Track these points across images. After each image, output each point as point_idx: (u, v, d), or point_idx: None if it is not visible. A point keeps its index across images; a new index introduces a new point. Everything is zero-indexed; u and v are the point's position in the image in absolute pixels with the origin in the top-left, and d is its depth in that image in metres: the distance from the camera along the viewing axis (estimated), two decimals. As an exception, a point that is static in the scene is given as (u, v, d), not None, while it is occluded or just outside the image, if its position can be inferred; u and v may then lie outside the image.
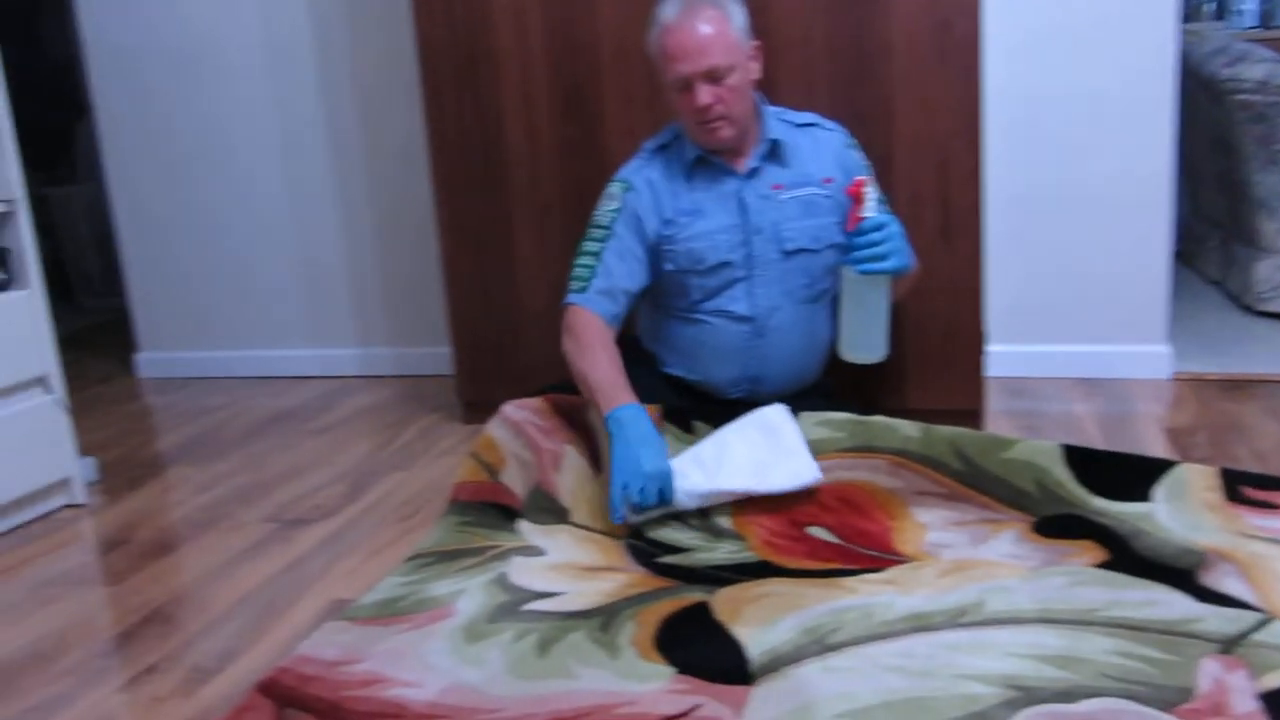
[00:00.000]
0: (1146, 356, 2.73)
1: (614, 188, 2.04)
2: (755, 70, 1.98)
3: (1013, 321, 2.81)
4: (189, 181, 3.40)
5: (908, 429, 1.81)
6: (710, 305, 2.02)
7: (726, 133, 1.94)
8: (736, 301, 2.01)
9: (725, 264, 1.99)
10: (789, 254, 2.00)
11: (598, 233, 2.02)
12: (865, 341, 1.88)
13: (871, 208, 1.84)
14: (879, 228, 1.82)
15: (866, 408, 1.96)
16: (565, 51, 2.43)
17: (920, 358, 2.37)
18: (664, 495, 1.76)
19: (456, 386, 2.71)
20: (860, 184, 1.83)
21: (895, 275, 1.88)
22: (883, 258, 1.82)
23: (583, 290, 1.99)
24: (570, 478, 1.92)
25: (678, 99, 1.94)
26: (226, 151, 3.35)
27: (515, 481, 1.95)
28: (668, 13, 1.92)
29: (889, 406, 2.20)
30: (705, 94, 1.89)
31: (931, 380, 2.37)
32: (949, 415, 2.22)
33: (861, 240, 1.82)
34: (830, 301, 2.07)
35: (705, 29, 1.88)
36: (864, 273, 1.82)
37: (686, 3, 1.92)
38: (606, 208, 2.03)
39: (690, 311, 2.04)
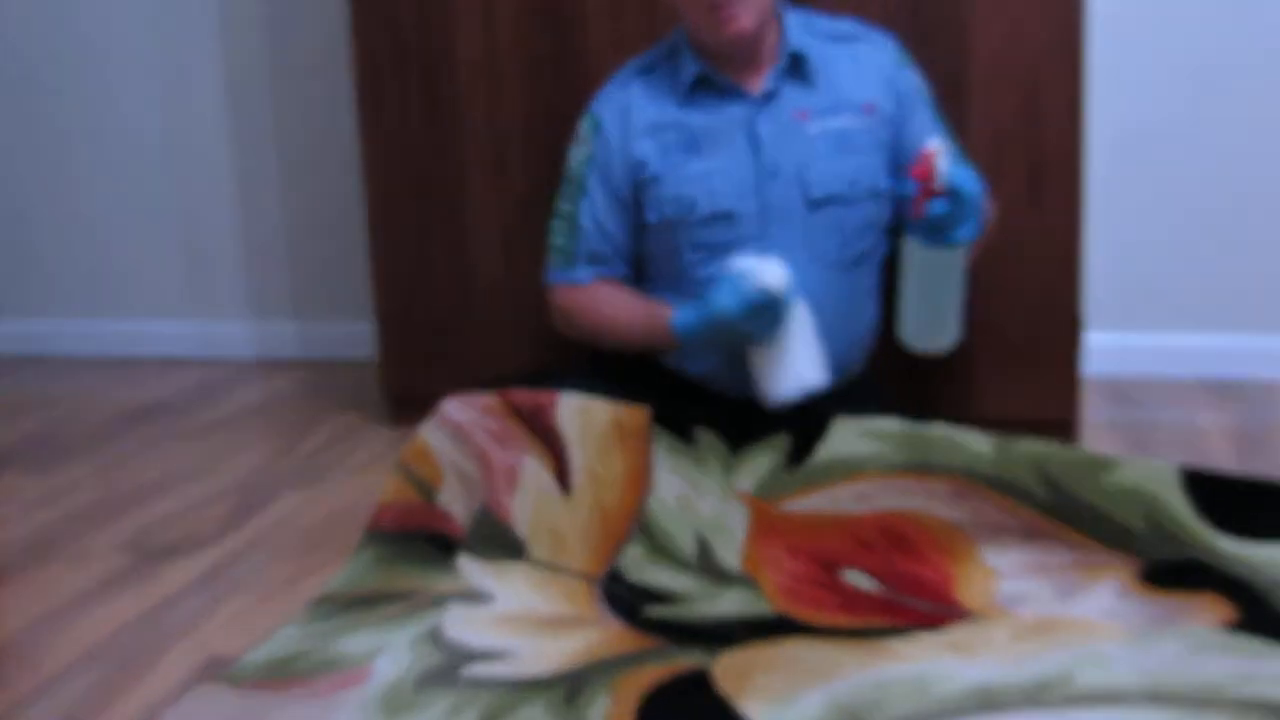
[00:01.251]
0: (1294, 353, 2.75)
1: (583, 126, 2.11)
2: None
3: (1119, 303, 2.82)
4: (39, 108, 3.39)
5: (978, 444, 1.80)
6: (710, 272, 2.01)
7: (745, 21, 1.94)
8: None
9: (726, 215, 2.00)
10: (816, 203, 2.00)
11: (569, 189, 2.10)
12: (934, 325, 1.91)
13: (944, 173, 1.77)
14: (955, 195, 1.77)
15: (924, 413, 1.96)
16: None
17: (997, 350, 2.37)
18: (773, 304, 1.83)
19: (381, 376, 2.71)
20: (928, 159, 1.76)
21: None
22: (955, 226, 1.80)
23: (568, 264, 2.10)
24: (529, 499, 1.92)
25: None
26: (88, 71, 3.34)
27: (456, 503, 1.95)
28: None
29: (954, 413, 2.20)
30: None
31: (1011, 379, 2.38)
32: (1033, 426, 2.21)
33: (934, 213, 1.78)
34: (875, 267, 2.08)
35: None
36: (932, 245, 1.81)
37: None
38: (576, 155, 2.10)
39: (684, 281, 2.04)
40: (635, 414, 1.91)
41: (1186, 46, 2.69)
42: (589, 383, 2.00)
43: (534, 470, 1.94)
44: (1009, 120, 2.29)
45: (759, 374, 1.92)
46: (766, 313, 1.84)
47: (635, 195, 2.07)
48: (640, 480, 1.91)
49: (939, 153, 1.77)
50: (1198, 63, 2.69)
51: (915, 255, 1.88)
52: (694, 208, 2.01)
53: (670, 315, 1.96)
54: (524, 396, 1.98)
